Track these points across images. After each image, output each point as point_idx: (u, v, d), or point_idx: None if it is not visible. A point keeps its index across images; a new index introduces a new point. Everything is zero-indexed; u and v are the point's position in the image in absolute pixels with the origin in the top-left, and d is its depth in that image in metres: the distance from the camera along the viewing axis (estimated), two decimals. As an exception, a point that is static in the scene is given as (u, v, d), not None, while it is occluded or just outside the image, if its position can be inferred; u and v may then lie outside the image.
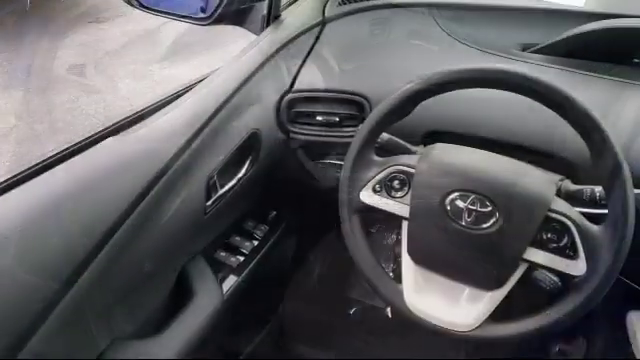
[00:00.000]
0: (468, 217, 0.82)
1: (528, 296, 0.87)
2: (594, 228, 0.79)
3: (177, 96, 0.99)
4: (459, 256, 0.84)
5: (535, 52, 1.15)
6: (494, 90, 0.84)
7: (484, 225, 0.81)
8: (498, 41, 1.18)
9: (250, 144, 1.05)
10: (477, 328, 0.84)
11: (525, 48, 1.18)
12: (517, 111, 0.97)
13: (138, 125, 0.90)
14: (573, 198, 0.88)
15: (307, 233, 1.44)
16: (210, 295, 0.99)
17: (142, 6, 1.25)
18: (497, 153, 0.89)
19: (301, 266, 1.57)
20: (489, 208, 0.81)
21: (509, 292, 0.85)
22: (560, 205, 0.81)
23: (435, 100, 0.98)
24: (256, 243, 1.15)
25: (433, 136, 1.03)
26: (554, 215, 0.79)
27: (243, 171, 1.04)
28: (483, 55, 1.12)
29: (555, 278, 0.85)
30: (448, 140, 0.93)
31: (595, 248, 0.77)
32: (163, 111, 0.93)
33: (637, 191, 0.81)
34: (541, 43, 1.15)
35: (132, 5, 1.25)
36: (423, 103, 0.90)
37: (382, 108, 0.87)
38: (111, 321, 0.87)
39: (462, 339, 0.86)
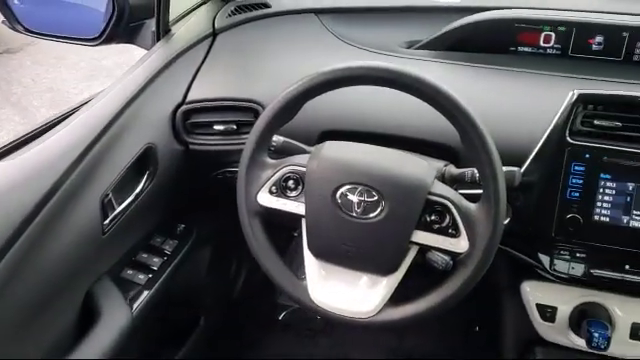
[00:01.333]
0: (358, 208, 0.85)
1: (426, 277, 0.92)
2: (472, 206, 0.84)
3: (66, 117, 0.98)
4: (354, 246, 0.87)
5: (419, 48, 1.22)
6: (380, 87, 0.88)
7: (372, 214, 0.85)
8: (384, 40, 1.23)
9: (146, 159, 1.05)
10: (378, 313, 0.88)
11: (410, 45, 1.24)
12: (403, 106, 1.01)
13: (24, 148, 0.89)
14: (457, 181, 0.94)
15: (224, 242, 1.44)
16: (117, 315, 0.98)
17: (28, 30, 1.23)
18: (387, 147, 0.93)
19: (222, 276, 1.57)
20: (375, 197, 0.84)
21: (409, 275, 0.89)
22: (439, 188, 0.85)
23: (328, 101, 1.02)
24: (165, 258, 1.15)
25: (328, 136, 1.06)
26: (434, 198, 0.84)
27: (140, 187, 1.04)
28: (369, 55, 1.17)
29: (446, 257, 0.90)
30: (343, 138, 0.97)
31: (474, 225, 0.83)
32: (50, 132, 0.92)
33: (507, 168, 0.88)
34: (424, 39, 1.22)
35: (17, 30, 1.22)
36: (316, 105, 0.93)
37: (268, 112, 0.89)
38: (15, 348, 0.85)
39: (365, 325, 0.89)
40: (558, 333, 1.06)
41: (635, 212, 0.92)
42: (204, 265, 1.40)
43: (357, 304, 0.89)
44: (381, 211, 0.84)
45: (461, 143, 0.84)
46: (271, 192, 0.91)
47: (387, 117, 1.05)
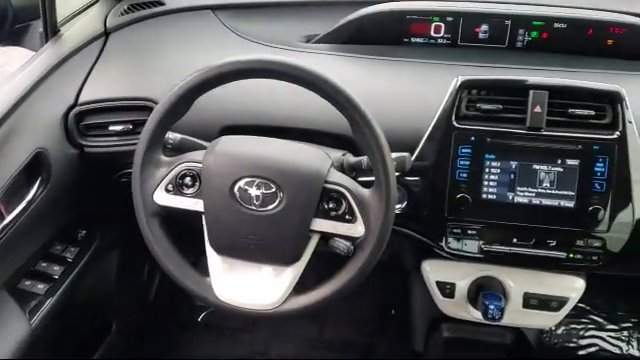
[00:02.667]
0: (256, 200, 0.86)
1: (330, 264, 0.94)
2: (366, 192, 0.87)
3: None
4: (255, 238, 0.88)
5: (317, 42, 1.24)
6: (279, 81, 0.88)
7: (271, 206, 0.86)
8: (283, 35, 1.25)
9: (37, 164, 1.01)
10: (283, 303, 0.89)
11: (309, 39, 1.26)
12: (302, 98, 1.02)
13: None
14: (355, 169, 0.97)
15: (131, 246, 1.41)
16: (13, 327, 0.94)
17: None
18: (288, 139, 0.94)
19: (133, 281, 1.54)
20: (273, 189, 0.86)
21: (313, 263, 0.92)
22: (335, 176, 0.88)
23: (227, 96, 1.03)
24: (67, 266, 1.11)
25: (229, 131, 1.06)
26: (330, 186, 0.86)
27: (32, 194, 1.00)
28: (267, 49, 1.17)
29: (348, 243, 0.92)
30: (244, 133, 0.97)
31: (368, 210, 0.86)
32: None
33: (397, 154, 0.92)
34: (322, 33, 1.24)
35: None
36: (216, 100, 0.93)
37: (159, 109, 0.88)
38: None
39: (271, 316, 0.90)
40: (458, 308, 1.12)
41: (519, 188, 0.99)
42: (112, 270, 1.36)
43: (262, 296, 0.90)
44: (279, 202, 0.86)
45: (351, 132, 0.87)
46: (167, 190, 0.91)
47: (287, 110, 1.07)
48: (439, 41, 1.26)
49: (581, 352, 1.64)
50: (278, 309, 0.89)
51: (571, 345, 1.66)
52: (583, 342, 1.67)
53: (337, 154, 0.98)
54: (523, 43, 1.22)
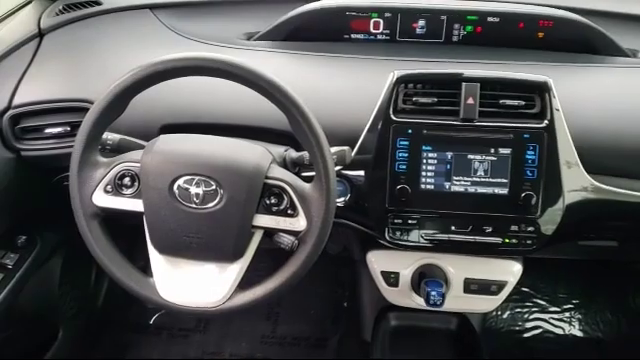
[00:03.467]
0: (196, 198, 0.86)
1: (277, 259, 0.95)
2: (306, 186, 0.88)
3: None
4: (197, 236, 0.88)
5: (258, 39, 1.24)
6: (218, 79, 0.88)
7: (211, 203, 0.86)
8: (223, 33, 1.25)
9: None
10: (228, 300, 0.90)
11: (250, 37, 1.26)
12: (243, 95, 1.03)
13: None
14: (297, 164, 0.99)
15: (76, 250, 1.39)
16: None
17: None
18: (230, 137, 0.95)
19: (80, 285, 1.51)
20: (213, 186, 0.86)
21: (259, 259, 0.92)
22: (276, 171, 0.89)
23: (166, 94, 1.02)
24: (5, 273, 1.08)
25: (169, 130, 1.06)
26: (271, 181, 0.87)
27: (-34, 200, 0.98)
28: (207, 47, 1.17)
29: (292, 237, 0.93)
30: (184, 132, 0.97)
31: (309, 203, 0.87)
32: None
33: (337, 148, 0.94)
34: (262, 30, 1.25)
35: None
36: (155, 99, 0.92)
37: (95, 109, 0.87)
38: None
39: (216, 314, 0.91)
40: (403, 296, 1.15)
41: (455, 178, 1.02)
42: (56, 276, 1.33)
43: (207, 294, 0.90)
44: (220, 199, 0.86)
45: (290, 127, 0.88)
46: (106, 191, 0.90)
47: (227, 107, 1.07)
48: (378, 37, 1.28)
49: (526, 335, 1.71)
50: (223, 306, 0.90)
51: (516, 328, 1.73)
52: (528, 325, 1.74)
53: (279, 150, 1.00)
54: (459, 37, 1.26)
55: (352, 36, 1.28)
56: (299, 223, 0.88)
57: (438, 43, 1.27)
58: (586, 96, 1.07)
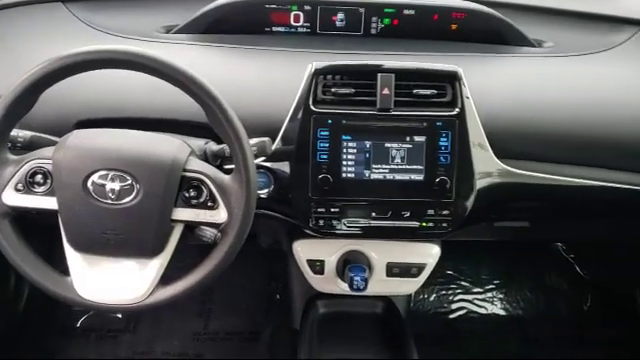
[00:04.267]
0: (112, 194, 0.85)
1: (200, 253, 0.95)
2: (226, 178, 0.89)
3: None
4: (114, 233, 0.86)
5: (176, 32, 1.23)
6: (136, 72, 0.86)
7: (128, 198, 0.85)
8: (141, 27, 1.22)
9: None
10: (150, 296, 0.89)
11: (168, 30, 1.25)
12: (161, 88, 1.02)
13: None
14: (218, 156, 0.99)
15: None
16: None
17: None
18: (148, 131, 0.93)
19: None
20: (129, 181, 0.85)
21: (180, 254, 0.92)
22: (194, 164, 0.89)
23: (80, 88, 0.99)
24: None
25: (85, 126, 1.03)
26: (189, 174, 0.87)
27: None
28: (123, 41, 1.15)
29: (214, 230, 0.94)
30: (99, 127, 0.95)
31: (229, 195, 0.88)
32: None
33: (257, 139, 0.95)
34: (181, 23, 1.24)
35: None
36: (69, 94, 0.89)
37: (1, 104, 0.84)
38: None
39: (137, 310, 0.90)
40: (328, 283, 1.18)
41: (374, 166, 1.05)
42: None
43: (127, 291, 0.89)
44: (137, 194, 0.85)
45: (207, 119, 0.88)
46: (17, 190, 0.87)
47: (145, 101, 1.05)
48: (299, 30, 1.30)
49: (451, 316, 1.79)
50: (144, 302, 0.89)
51: (442, 310, 1.80)
52: (453, 306, 1.82)
53: (199, 143, 0.99)
54: (377, 30, 1.29)
55: (273, 29, 1.29)
56: (220, 215, 0.88)
57: (357, 36, 1.30)
58: (495, 84, 1.12)
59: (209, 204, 0.88)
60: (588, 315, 1.81)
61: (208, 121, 0.88)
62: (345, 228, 1.07)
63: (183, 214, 0.88)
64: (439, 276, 1.86)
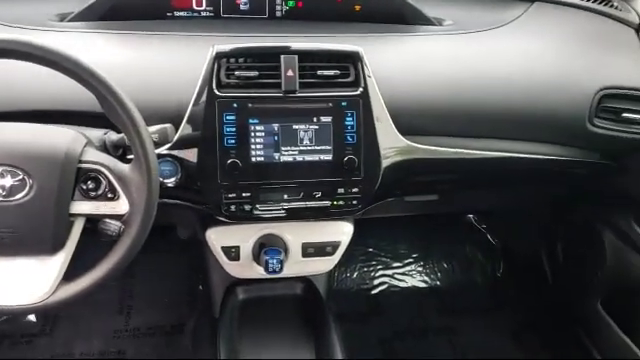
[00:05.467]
0: (2, 191, 0.80)
1: (105, 247, 0.92)
2: (125, 168, 0.86)
3: None
4: (7, 232, 0.82)
5: (71, 20, 1.17)
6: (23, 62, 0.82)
7: (20, 194, 0.81)
8: (33, 15, 1.16)
9: None
10: (53, 294, 0.85)
11: (63, 18, 1.19)
12: (57, 79, 0.98)
13: None
14: (119, 146, 0.95)
15: None
16: None
17: None
18: (46, 123, 0.89)
19: None
20: (20, 176, 0.81)
21: (84, 249, 0.89)
22: (90, 155, 0.85)
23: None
24: None
25: None
26: (86, 165, 0.84)
27: None
28: (12, 30, 1.08)
29: (118, 223, 0.91)
30: None
31: (130, 185, 0.85)
32: None
33: (157, 127, 0.92)
34: (76, 10, 1.18)
35: None
36: None
37: None
38: None
39: (41, 310, 0.86)
40: (245, 269, 1.17)
41: (283, 148, 1.05)
42: None
43: (28, 290, 0.85)
44: (30, 189, 0.81)
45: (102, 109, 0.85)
46: None
47: (36, 92, 1.00)
48: (202, 14, 1.27)
49: (373, 291, 1.84)
50: (48, 301, 0.85)
51: (364, 287, 1.84)
52: (375, 282, 1.87)
53: (97, 133, 0.95)
54: (282, 12, 1.29)
55: (175, 13, 1.26)
56: (121, 206, 0.86)
57: (262, 19, 1.29)
58: (396, 63, 1.15)
59: (109, 195, 0.86)
60: (501, 281, 1.92)
61: (102, 109, 0.85)
62: (258, 212, 1.06)
63: (82, 207, 0.85)
64: (360, 254, 1.90)
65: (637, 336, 1.38)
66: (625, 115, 1.19)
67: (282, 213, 1.08)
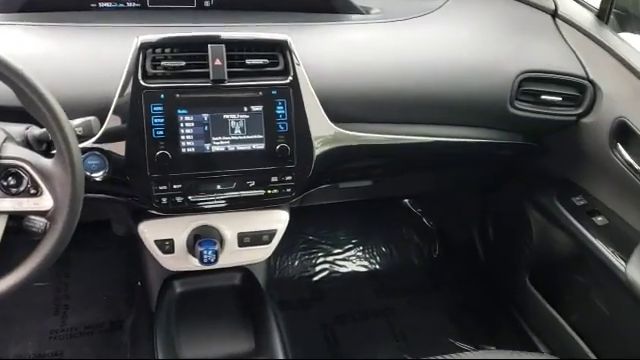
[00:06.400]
0: None
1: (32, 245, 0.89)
2: (48, 162, 0.84)
3: None
4: None
5: None
6: None
7: None
8: None
9: None
10: None
11: None
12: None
13: None
14: (42, 141, 0.93)
15: None
16: None
17: None
18: None
19: None
20: None
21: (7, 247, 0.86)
22: (10, 150, 0.83)
23: None
24: None
25: None
26: (5, 161, 0.81)
27: None
28: None
29: (43, 220, 0.88)
30: None
31: (53, 180, 0.83)
32: None
33: (81, 119, 0.90)
34: None
35: None
36: None
37: None
38: None
39: None
40: (180, 261, 1.16)
41: (214, 138, 1.04)
42: None
43: None
44: None
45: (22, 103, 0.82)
46: None
47: None
48: (128, 4, 1.24)
49: (315, 278, 1.86)
50: None
51: (306, 274, 1.87)
52: (316, 269, 1.89)
53: (19, 128, 0.92)
54: (210, 2, 1.28)
55: (99, 5, 1.23)
56: (44, 202, 0.83)
57: (191, 9, 1.27)
58: (325, 51, 1.16)
59: (32, 191, 0.83)
60: (437, 262, 1.98)
61: (23, 105, 0.82)
62: (190, 204, 1.05)
63: (3, 204, 0.82)
64: (301, 243, 1.92)
65: (563, 308, 1.46)
66: (544, 97, 1.26)
67: (215, 204, 1.07)
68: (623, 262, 1.16)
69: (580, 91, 1.26)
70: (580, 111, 1.27)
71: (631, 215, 1.23)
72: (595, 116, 1.26)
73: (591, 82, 1.25)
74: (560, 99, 1.27)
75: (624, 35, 1.28)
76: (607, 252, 1.21)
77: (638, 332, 1.19)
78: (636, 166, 1.17)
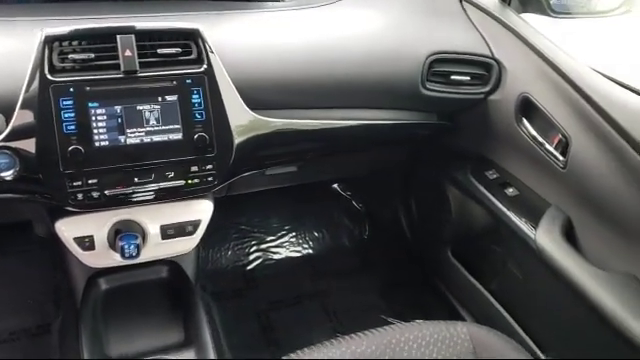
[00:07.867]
0: None
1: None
2: None
3: None
4: None
5: None
6: None
7: None
8: None
9: None
10: None
11: None
12: None
13: None
14: None
15: None
16: None
17: None
18: None
19: None
20: None
21: None
22: None
23: None
24: None
25: None
26: None
27: None
28: None
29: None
30: None
31: None
32: None
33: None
34: None
35: None
36: None
37: None
38: None
39: None
40: (101, 257, 1.14)
41: (129, 131, 1.03)
42: None
43: None
44: None
45: None
46: None
47: None
48: (32, -2, 1.20)
49: (249, 267, 1.87)
50: None
51: (240, 264, 1.87)
52: (250, 258, 1.91)
53: None
54: (121, -7, 1.25)
55: (-1, -2, 1.18)
56: None
57: (99, 1, 1.24)
58: (240, 39, 1.17)
59: None
60: (368, 243, 2.04)
61: None
62: (107, 199, 1.04)
63: None
64: (233, 232, 1.92)
65: (483, 277, 1.54)
66: (453, 77, 1.31)
67: (134, 197, 1.06)
68: (533, 230, 1.23)
69: (487, 70, 1.32)
70: (487, 89, 1.34)
71: (539, 185, 1.31)
72: (501, 93, 1.32)
73: (496, 61, 1.31)
74: (469, 78, 1.32)
75: (525, 16, 1.35)
76: (519, 221, 1.28)
77: (548, 294, 1.27)
78: (540, 139, 1.24)
